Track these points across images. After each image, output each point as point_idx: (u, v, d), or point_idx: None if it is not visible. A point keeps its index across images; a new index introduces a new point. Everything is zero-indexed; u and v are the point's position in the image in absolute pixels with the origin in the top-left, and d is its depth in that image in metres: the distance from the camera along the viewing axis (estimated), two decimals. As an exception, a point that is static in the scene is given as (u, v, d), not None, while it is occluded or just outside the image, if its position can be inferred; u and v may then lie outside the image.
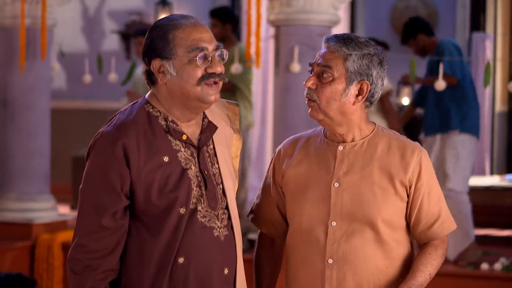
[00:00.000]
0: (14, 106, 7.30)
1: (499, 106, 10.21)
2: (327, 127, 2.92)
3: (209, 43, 2.75)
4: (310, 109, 2.88)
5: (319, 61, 2.86)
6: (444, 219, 2.93)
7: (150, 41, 2.76)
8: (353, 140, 2.91)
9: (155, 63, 2.75)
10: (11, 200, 7.31)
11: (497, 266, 6.36)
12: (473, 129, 6.70)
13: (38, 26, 7.18)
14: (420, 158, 2.89)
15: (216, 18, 7.62)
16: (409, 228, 2.94)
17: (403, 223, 2.92)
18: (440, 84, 6.47)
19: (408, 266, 2.92)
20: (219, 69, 2.75)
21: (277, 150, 3.07)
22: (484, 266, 6.39)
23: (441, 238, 2.95)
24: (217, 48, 2.76)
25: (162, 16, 10.13)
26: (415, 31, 6.88)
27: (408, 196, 2.89)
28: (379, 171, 2.87)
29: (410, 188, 2.88)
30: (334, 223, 2.85)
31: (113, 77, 7.84)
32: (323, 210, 2.87)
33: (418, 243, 2.99)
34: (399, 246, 2.91)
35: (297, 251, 2.93)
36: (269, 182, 3.06)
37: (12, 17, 7.24)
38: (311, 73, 2.88)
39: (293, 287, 2.95)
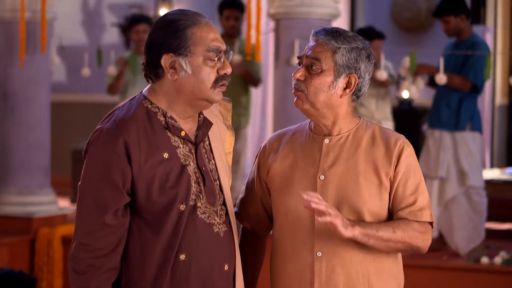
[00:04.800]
0: (14, 99, 7.30)
1: (499, 99, 10.21)
2: (312, 118, 2.95)
3: (223, 44, 2.77)
4: (296, 99, 2.91)
5: (308, 53, 2.90)
6: (418, 207, 2.88)
7: (162, 35, 2.73)
8: (338, 133, 2.93)
9: (167, 58, 2.72)
10: (11, 193, 7.31)
11: (497, 259, 6.36)
12: (479, 126, 6.72)
13: (38, 19, 7.17)
14: (401, 149, 2.90)
15: (238, 9, 7.65)
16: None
17: (388, 213, 2.92)
18: (442, 78, 6.45)
19: (393, 256, 2.93)
20: (230, 70, 2.77)
21: (262, 145, 3.09)
22: (484, 259, 6.39)
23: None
24: (226, 49, 2.78)
25: (162, 9, 10.15)
26: (460, 10, 6.70)
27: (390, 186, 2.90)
28: (365, 163, 2.89)
29: (391, 178, 2.89)
30: None
31: (112, 70, 7.82)
32: None
33: None
34: None
35: (283, 244, 2.93)
36: (253, 178, 3.07)
37: (12, 10, 7.23)
38: (299, 65, 2.92)
39: (280, 281, 2.95)
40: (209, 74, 2.73)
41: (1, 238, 6.97)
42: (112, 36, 10.61)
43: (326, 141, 2.93)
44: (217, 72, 2.75)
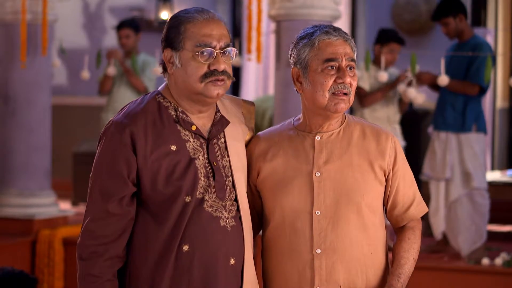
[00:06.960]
0: (15, 101, 7.31)
1: (500, 102, 10.22)
2: (332, 119, 2.92)
3: (218, 41, 2.78)
4: (340, 103, 2.86)
5: (345, 55, 2.87)
6: (419, 200, 3.02)
7: (166, 31, 2.83)
8: (330, 130, 2.95)
9: (167, 53, 2.81)
10: (12, 195, 7.32)
11: (498, 261, 6.37)
12: (484, 127, 6.72)
13: (39, 21, 7.18)
14: (394, 143, 2.96)
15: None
16: (385, 212, 3.01)
17: (381, 207, 2.98)
18: (444, 80, 6.45)
19: (386, 249, 2.98)
20: (222, 66, 2.77)
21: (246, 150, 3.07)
22: (485, 261, 6.40)
23: (416, 219, 3.02)
24: (226, 46, 2.78)
25: (163, 12, 10.17)
26: (459, 10, 6.69)
27: (386, 181, 2.95)
28: (358, 157, 2.92)
29: (388, 173, 2.95)
30: (318, 212, 2.88)
31: (111, 70, 7.86)
32: (306, 201, 2.89)
33: (394, 227, 3.05)
34: (378, 231, 2.95)
35: (280, 244, 2.93)
36: None
37: (13, 12, 7.24)
38: (331, 68, 2.87)
39: (277, 280, 2.95)
40: (196, 69, 2.76)
41: (2, 240, 6.98)
42: (113, 39, 10.60)
43: (318, 138, 2.94)
44: (209, 67, 2.77)
